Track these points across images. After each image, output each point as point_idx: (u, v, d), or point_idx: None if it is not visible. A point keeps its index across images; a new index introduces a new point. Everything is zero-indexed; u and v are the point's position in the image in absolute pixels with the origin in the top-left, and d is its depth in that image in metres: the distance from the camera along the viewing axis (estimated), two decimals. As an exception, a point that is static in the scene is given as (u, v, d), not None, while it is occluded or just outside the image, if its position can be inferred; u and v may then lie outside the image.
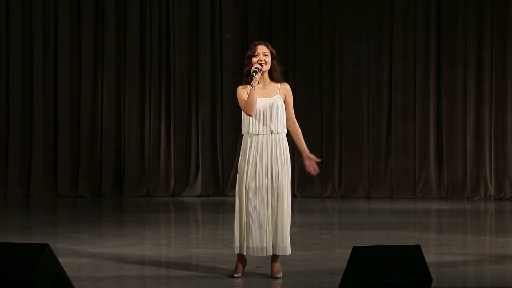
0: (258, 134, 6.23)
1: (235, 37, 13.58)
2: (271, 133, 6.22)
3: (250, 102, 6.18)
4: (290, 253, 6.24)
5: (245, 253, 6.20)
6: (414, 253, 4.88)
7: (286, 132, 6.32)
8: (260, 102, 6.23)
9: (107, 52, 13.57)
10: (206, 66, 13.56)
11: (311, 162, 6.26)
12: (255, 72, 6.14)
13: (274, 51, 6.33)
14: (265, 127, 6.22)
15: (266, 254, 6.17)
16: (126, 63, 13.55)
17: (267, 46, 6.31)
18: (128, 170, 13.50)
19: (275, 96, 6.27)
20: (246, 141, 6.27)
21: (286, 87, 6.32)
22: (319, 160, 6.31)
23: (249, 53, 6.30)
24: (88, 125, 13.56)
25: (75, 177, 13.50)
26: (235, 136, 13.34)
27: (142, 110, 13.58)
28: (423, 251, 4.91)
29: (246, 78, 6.24)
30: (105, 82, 13.58)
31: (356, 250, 4.81)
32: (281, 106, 6.26)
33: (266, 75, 6.31)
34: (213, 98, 13.56)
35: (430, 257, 6.83)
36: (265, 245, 6.14)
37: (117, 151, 13.56)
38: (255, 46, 6.31)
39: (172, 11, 13.58)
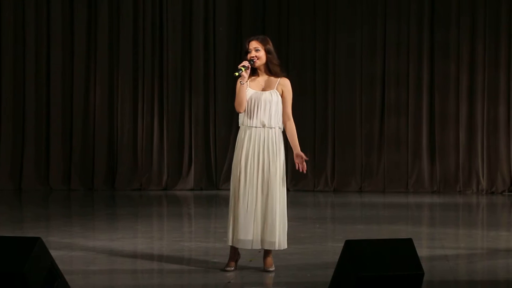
0: (251, 126, 6.22)
1: (228, 30, 13.57)
2: (264, 126, 6.21)
3: (238, 99, 6.20)
4: (281, 248, 6.21)
5: (232, 244, 6.20)
6: (406, 246, 4.88)
7: (281, 127, 6.29)
8: (255, 95, 6.22)
9: (100, 46, 13.53)
10: (199, 60, 13.54)
11: (301, 160, 6.25)
12: (241, 70, 6.13)
13: (269, 45, 6.27)
14: (257, 120, 6.21)
15: (252, 247, 6.16)
16: (119, 56, 13.52)
17: (258, 40, 6.28)
18: (120, 164, 13.49)
19: (271, 91, 6.25)
20: (241, 133, 6.28)
21: (285, 82, 6.28)
22: (307, 158, 6.30)
23: (245, 50, 6.30)
24: (81, 119, 13.53)
25: (67, 170, 13.48)
26: (228, 130, 13.34)
27: (135, 103, 13.56)
28: (415, 244, 4.92)
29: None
30: (98, 76, 13.55)
31: (348, 243, 4.81)
32: (276, 100, 6.23)
33: (263, 69, 6.30)
34: (206, 91, 13.55)
35: (422, 251, 6.85)
36: (250, 238, 6.14)
37: (109, 145, 13.54)
38: (248, 42, 6.30)
39: (165, 4, 13.56)
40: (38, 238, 4.89)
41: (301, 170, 6.27)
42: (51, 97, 13.53)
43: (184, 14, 13.58)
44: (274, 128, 6.24)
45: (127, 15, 13.53)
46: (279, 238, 6.18)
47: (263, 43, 6.27)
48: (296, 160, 6.26)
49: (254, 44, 6.26)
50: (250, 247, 6.18)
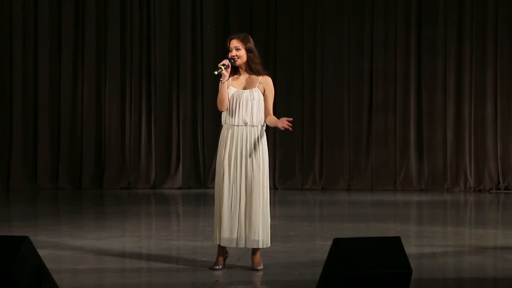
0: (233, 125, 6.22)
1: (216, 28, 13.56)
2: (246, 125, 6.21)
3: (219, 98, 6.22)
4: (265, 246, 6.21)
5: (218, 243, 6.20)
6: (394, 244, 4.88)
7: (263, 125, 6.29)
8: (237, 94, 6.23)
9: (87, 44, 13.50)
10: (187, 58, 13.53)
11: (283, 121, 6.13)
12: (221, 68, 6.13)
13: (250, 43, 6.26)
14: (239, 118, 6.21)
15: (236, 245, 6.17)
16: (107, 54, 13.50)
17: (238, 39, 6.26)
18: (108, 162, 13.46)
19: (252, 89, 6.25)
20: (224, 131, 6.29)
21: (267, 80, 6.28)
22: (291, 119, 6.17)
23: (226, 48, 6.29)
24: (69, 117, 13.50)
25: (55, 169, 13.44)
26: (216, 128, 13.30)
27: (122, 101, 13.53)
28: (403, 242, 4.92)
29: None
30: (85, 74, 13.51)
31: (336, 242, 4.81)
32: (258, 99, 6.22)
33: (244, 67, 6.29)
34: (194, 89, 13.54)
35: (410, 249, 6.86)
36: (235, 236, 6.15)
37: (97, 143, 13.51)
38: (229, 41, 6.29)
39: (153, 2, 13.53)
40: (26, 237, 4.87)
41: (287, 127, 6.09)
42: (38, 95, 13.49)
43: (172, 12, 13.56)
44: (256, 126, 6.24)
45: (115, 13, 13.50)
46: (263, 236, 6.18)
47: (244, 41, 6.26)
48: (280, 124, 6.12)
49: (234, 43, 6.25)
50: (235, 246, 6.18)
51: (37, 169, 13.45)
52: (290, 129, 6.12)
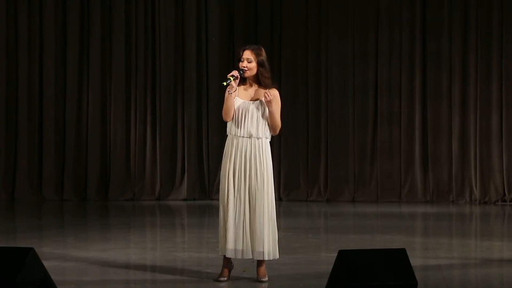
0: (238, 136, 6.24)
1: (221, 39, 13.58)
2: (250, 137, 6.22)
3: (225, 108, 6.23)
4: (272, 258, 6.20)
5: (223, 254, 6.20)
6: (399, 256, 4.88)
7: (268, 137, 6.28)
8: (243, 105, 6.23)
9: (92, 55, 13.52)
10: (192, 69, 13.54)
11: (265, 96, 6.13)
12: (230, 79, 6.14)
13: (262, 57, 6.26)
14: (244, 130, 6.23)
15: (242, 256, 6.17)
16: (112, 65, 13.51)
17: (252, 51, 6.27)
18: (113, 174, 13.46)
19: (259, 101, 6.26)
20: (228, 142, 6.30)
21: (274, 92, 6.27)
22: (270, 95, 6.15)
23: (238, 57, 6.31)
24: (74, 128, 13.51)
25: (60, 180, 13.44)
26: (221, 140, 13.21)
27: (127, 113, 13.54)
28: (408, 254, 4.92)
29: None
30: (90, 85, 13.53)
31: (341, 253, 4.81)
32: (263, 111, 6.24)
33: (252, 79, 6.31)
34: (199, 100, 13.55)
35: (416, 261, 6.84)
36: (240, 248, 6.15)
37: (102, 155, 13.51)
38: (242, 51, 6.30)
39: (158, 13, 13.56)
40: (31, 249, 4.88)
41: (267, 98, 6.10)
42: (43, 107, 13.50)
43: (177, 23, 13.58)
44: (261, 138, 6.25)
45: (119, 24, 13.52)
46: (269, 248, 6.17)
47: (257, 54, 6.27)
48: (265, 100, 6.14)
49: (247, 54, 6.26)
50: (240, 257, 6.18)
51: (42, 180, 13.45)
52: (268, 97, 6.08)
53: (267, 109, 6.24)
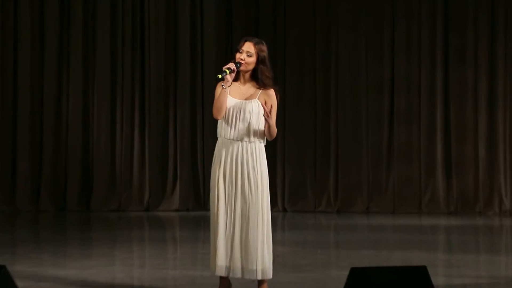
0: (229, 139, 6.17)
1: (218, 32, 13.61)
2: (242, 140, 6.16)
3: (217, 104, 6.15)
4: (265, 277, 6.12)
5: (214, 272, 6.14)
6: (419, 275, 4.87)
7: (262, 141, 6.22)
8: (235, 105, 6.16)
9: (73, 49, 13.55)
10: (185, 65, 13.57)
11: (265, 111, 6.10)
12: (225, 72, 6.08)
13: (264, 53, 6.21)
14: (236, 132, 6.16)
15: (232, 275, 6.10)
16: (95, 61, 13.55)
17: (254, 43, 6.22)
18: (96, 181, 13.47)
19: (252, 100, 6.19)
20: (219, 146, 6.23)
21: (270, 92, 6.19)
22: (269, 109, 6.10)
23: (237, 47, 6.25)
24: (52, 131, 13.52)
25: (36, 189, 13.45)
26: (217, 143, 13.33)
27: (112, 113, 13.56)
28: (430, 273, 4.89)
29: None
30: (70, 83, 13.55)
31: (354, 271, 4.78)
32: (257, 112, 6.16)
33: (247, 76, 6.24)
34: (193, 100, 13.57)
35: (438, 279, 6.83)
36: (229, 264, 6.08)
37: (84, 160, 13.53)
38: (243, 41, 6.25)
39: (147, 2, 13.58)
40: (3, 267, 4.85)
41: (267, 113, 6.06)
42: (18, 108, 13.51)
43: (168, 15, 13.62)
44: (253, 142, 6.19)
45: (104, 16, 13.54)
46: (263, 265, 6.09)
47: (259, 49, 6.21)
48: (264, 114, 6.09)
49: (248, 46, 6.21)
50: (230, 275, 6.11)
51: (16, 189, 13.46)
52: (268, 116, 6.05)
53: (261, 109, 6.15)
